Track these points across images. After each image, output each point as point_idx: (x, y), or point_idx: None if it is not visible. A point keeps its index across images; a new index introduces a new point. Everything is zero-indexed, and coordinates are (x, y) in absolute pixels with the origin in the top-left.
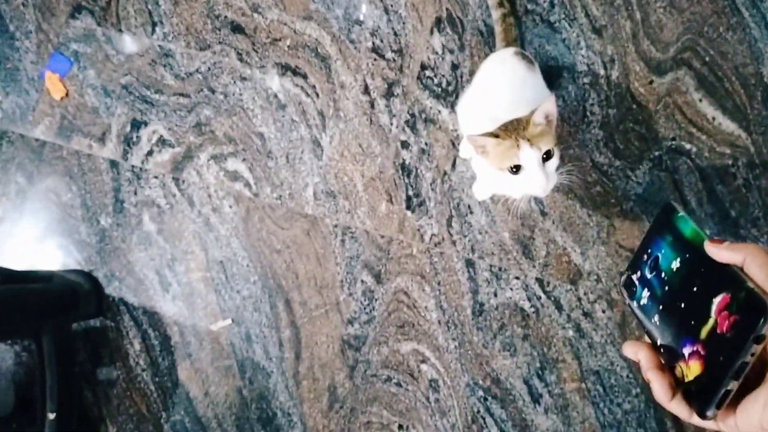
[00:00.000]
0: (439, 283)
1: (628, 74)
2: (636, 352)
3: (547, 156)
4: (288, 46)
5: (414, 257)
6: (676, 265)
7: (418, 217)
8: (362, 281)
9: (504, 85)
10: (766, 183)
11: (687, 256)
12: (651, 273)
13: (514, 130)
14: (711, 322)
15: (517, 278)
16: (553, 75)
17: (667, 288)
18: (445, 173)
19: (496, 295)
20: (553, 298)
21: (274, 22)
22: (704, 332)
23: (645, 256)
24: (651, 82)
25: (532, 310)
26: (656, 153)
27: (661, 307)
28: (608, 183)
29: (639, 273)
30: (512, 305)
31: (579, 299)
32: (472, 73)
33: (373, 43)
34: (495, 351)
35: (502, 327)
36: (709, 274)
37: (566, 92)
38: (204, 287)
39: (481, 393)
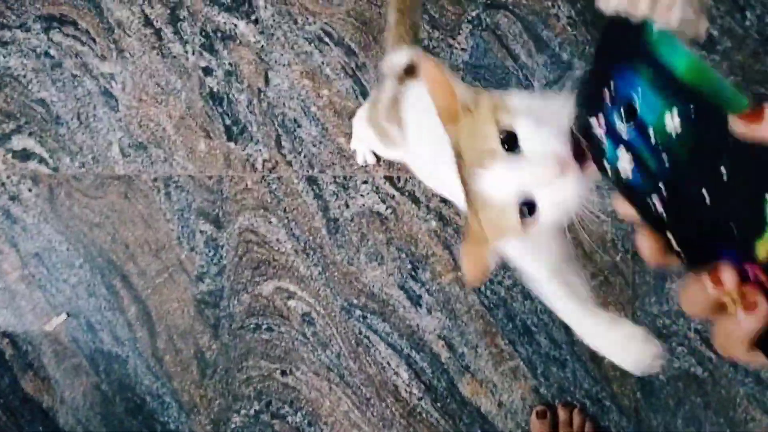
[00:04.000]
0: (285, 211)
1: None
2: (654, 252)
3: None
4: None
5: (250, 190)
6: (673, 123)
7: (243, 146)
8: (201, 231)
9: None
10: (590, 15)
11: (692, 109)
12: (628, 126)
13: None
14: None
15: (365, 182)
16: None
17: (669, 162)
18: (259, 91)
19: (347, 206)
20: (407, 193)
21: None
22: (765, 251)
23: (605, 91)
24: None
25: (389, 211)
26: (473, 13)
27: (664, 191)
28: (432, 56)
29: (604, 119)
30: (367, 212)
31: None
32: None
33: None
34: (362, 265)
35: (362, 238)
36: (748, 153)
37: None
38: (25, 287)
39: (358, 312)
